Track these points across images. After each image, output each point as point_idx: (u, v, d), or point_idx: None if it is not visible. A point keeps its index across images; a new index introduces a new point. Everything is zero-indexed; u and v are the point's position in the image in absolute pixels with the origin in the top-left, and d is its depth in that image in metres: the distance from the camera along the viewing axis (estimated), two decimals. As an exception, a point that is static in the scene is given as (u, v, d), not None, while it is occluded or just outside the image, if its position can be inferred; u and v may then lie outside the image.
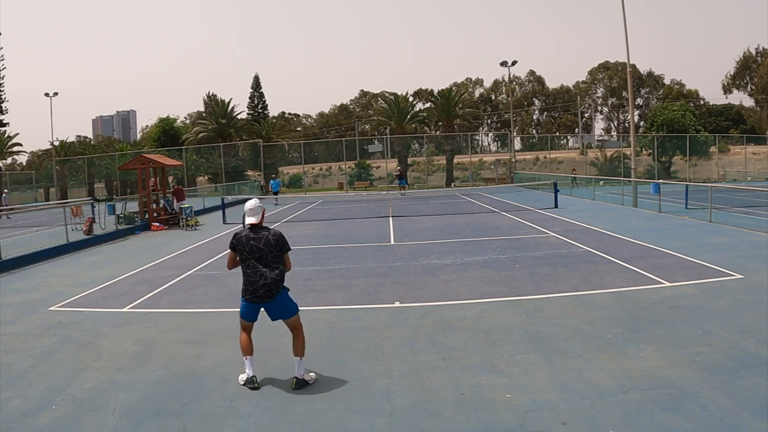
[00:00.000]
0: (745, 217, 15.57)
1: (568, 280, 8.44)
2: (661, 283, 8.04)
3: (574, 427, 3.90)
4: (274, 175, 33.02)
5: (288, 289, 5.06)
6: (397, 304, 7.49)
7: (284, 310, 5.00)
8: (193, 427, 4.16)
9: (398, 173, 35.51)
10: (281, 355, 5.56)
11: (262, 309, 5.00)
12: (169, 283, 9.41)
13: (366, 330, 6.39)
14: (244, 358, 4.99)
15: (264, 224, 5.07)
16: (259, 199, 5.23)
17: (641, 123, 69.83)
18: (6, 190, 35.94)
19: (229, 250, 5.09)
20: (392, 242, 13.30)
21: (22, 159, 71.19)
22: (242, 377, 4.98)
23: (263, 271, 4.84)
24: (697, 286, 7.79)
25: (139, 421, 4.28)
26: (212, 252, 12.80)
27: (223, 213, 20.88)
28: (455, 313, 6.90)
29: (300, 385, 4.84)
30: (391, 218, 18.73)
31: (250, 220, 4.97)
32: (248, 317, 5.04)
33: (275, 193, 30.81)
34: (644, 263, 9.43)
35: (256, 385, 4.87)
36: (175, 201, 20.27)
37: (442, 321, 6.60)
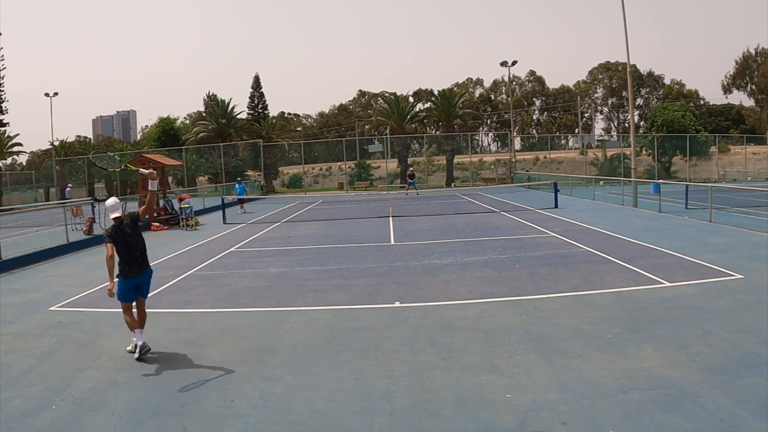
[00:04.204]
0: (745, 217, 15.56)
1: (568, 280, 8.44)
2: (661, 283, 8.04)
3: (574, 427, 3.90)
4: (239, 178, 30.37)
5: (152, 270, 6.05)
6: (397, 304, 7.50)
7: (147, 286, 5.95)
8: (193, 427, 4.16)
9: (410, 173, 35.34)
10: (280, 356, 5.57)
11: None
12: (169, 283, 9.40)
13: (366, 330, 6.39)
14: (135, 331, 5.67)
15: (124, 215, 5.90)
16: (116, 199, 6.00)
17: (641, 123, 69.77)
18: (70, 185, 35.15)
19: (108, 243, 5.68)
20: (392, 242, 13.29)
21: (22, 159, 70.95)
22: (132, 347, 5.68)
23: (136, 253, 5.80)
24: (697, 286, 7.79)
25: (139, 421, 4.29)
26: (212, 252, 12.80)
27: (223, 213, 20.89)
28: (455, 313, 6.90)
29: (141, 350, 5.62)
30: (391, 218, 18.73)
31: (115, 215, 5.76)
32: (129, 298, 5.80)
33: (240, 200, 25.07)
34: (644, 263, 9.43)
35: (149, 348, 5.64)
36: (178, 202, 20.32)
37: (442, 321, 6.61)
